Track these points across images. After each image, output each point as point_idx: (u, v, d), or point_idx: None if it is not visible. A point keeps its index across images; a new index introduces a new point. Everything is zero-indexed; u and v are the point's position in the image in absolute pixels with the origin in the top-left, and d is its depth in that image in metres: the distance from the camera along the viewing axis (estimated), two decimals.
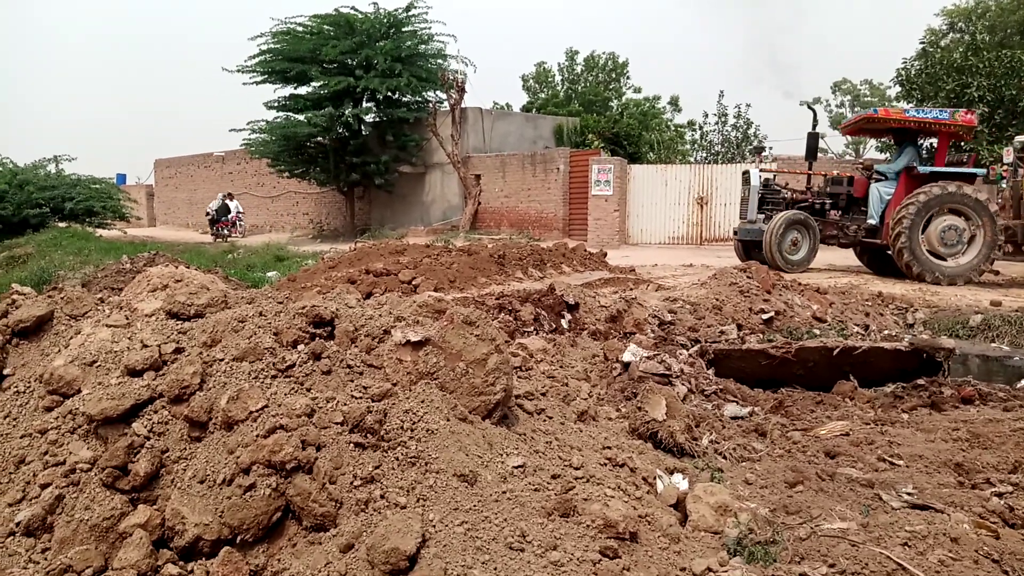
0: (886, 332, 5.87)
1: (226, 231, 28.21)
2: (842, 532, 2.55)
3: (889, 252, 11.66)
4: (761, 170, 12.88)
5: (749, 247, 12.63)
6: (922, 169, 11.53)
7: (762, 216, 12.19)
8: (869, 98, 40.72)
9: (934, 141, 13.00)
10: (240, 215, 27.81)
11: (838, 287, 8.47)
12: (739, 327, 5.69)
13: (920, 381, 4.74)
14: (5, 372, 2.92)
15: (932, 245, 10.94)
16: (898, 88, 24.57)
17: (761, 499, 2.95)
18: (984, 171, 12.81)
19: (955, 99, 20.59)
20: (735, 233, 12.85)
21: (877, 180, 12.14)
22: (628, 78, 37.82)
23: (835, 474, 3.20)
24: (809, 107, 12.52)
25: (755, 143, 28.76)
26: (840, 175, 12.75)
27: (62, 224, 23.25)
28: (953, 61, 21.82)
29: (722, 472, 3.24)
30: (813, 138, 12.61)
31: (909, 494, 2.92)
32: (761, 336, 5.53)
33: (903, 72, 23.82)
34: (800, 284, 7.09)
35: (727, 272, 6.70)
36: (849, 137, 31.91)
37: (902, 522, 2.57)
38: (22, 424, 2.67)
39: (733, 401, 4.38)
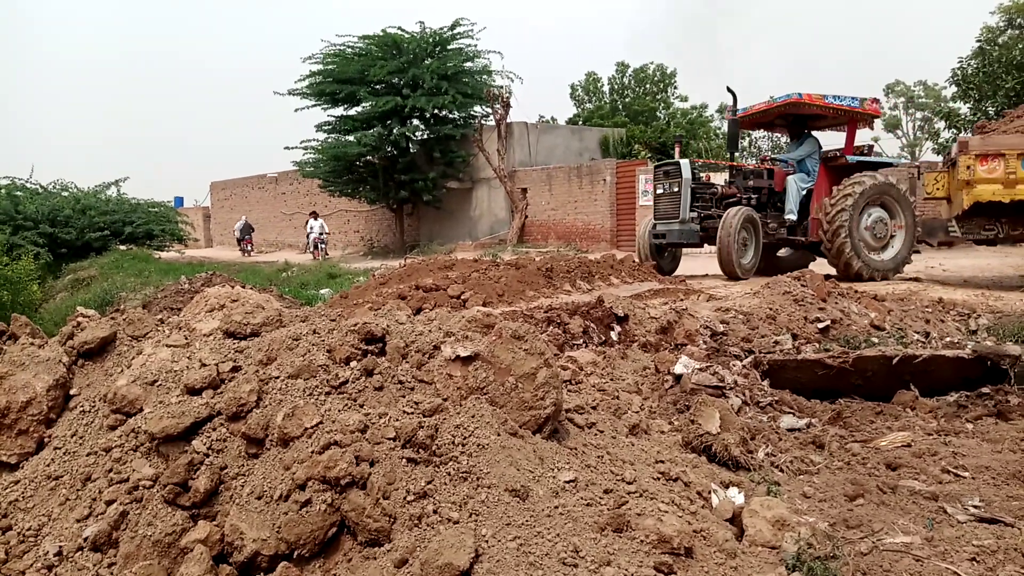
0: (948, 339, 5.68)
1: (250, 248, 28.79)
2: (905, 547, 2.47)
3: (803, 246, 10.88)
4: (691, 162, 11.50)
5: (661, 249, 11.41)
6: (851, 158, 10.94)
7: (695, 215, 10.78)
8: (924, 99, 39.69)
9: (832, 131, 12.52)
10: (324, 235, 27.90)
11: (896, 293, 8.25)
12: (794, 337, 5.58)
13: (985, 389, 4.57)
14: (71, 392, 3.02)
15: (864, 239, 10.40)
16: (954, 88, 23.90)
17: (820, 513, 2.88)
18: (900, 161, 12.28)
19: (1015, 97, 19.93)
20: (656, 236, 11.12)
21: (791, 171, 11.34)
22: (676, 88, 37.63)
23: (897, 487, 3.11)
24: (729, 90, 10.98)
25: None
26: (759, 167, 11.68)
27: (123, 247, 24.03)
28: (1013, 58, 21.13)
29: (779, 485, 3.18)
30: (734, 125, 11.21)
31: (976, 507, 2.82)
32: (817, 346, 5.41)
33: (959, 72, 23.17)
34: (856, 291, 6.92)
35: (780, 281, 6.58)
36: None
37: (969, 536, 2.49)
38: (88, 442, 2.76)
39: (789, 413, 4.29)
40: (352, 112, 26.55)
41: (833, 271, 10.62)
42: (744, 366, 4.71)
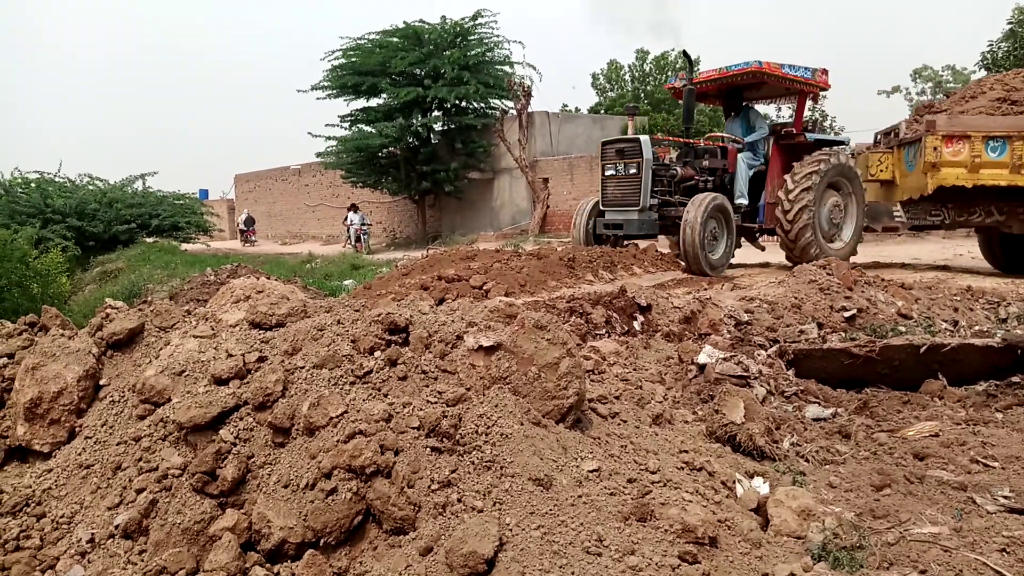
0: (977, 328, 5.60)
1: (253, 239, 28.77)
2: (933, 537, 2.45)
3: (760, 234, 9.83)
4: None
5: (595, 236, 9.72)
6: (809, 136, 9.87)
7: (655, 201, 9.17)
8: (953, 84, 38.98)
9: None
10: (365, 226, 27.16)
11: (923, 282, 8.14)
12: (819, 326, 5.52)
13: (1015, 379, 4.50)
14: (101, 382, 3.07)
15: (822, 226, 9.39)
16: (984, 72, 23.47)
17: (846, 503, 2.86)
18: (848, 139, 11.41)
19: None
20: (608, 227, 9.42)
21: (740, 150, 10.09)
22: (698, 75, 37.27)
23: (924, 476, 3.08)
24: (684, 53, 9.75)
25: (832, 129, 27.29)
26: (714, 145, 10.15)
27: (149, 239, 24.34)
28: None
29: (804, 475, 3.16)
30: (690, 94, 9.59)
31: (1006, 497, 2.78)
32: (843, 335, 5.35)
33: (989, 55, 22.74)
34: (883, 280, 6.84)
35: (805, 269, 6.51)
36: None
37: (999, 527, 2.46)
38: (118, 432, 2.81)
39: (815, 402, 4.25)
40: (374, 103, 26.63)
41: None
42: (769, 355, 4.68)
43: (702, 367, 4.32)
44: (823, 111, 29.06)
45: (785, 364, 4.64)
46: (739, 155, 9.83)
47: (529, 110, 24.62)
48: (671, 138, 10.80)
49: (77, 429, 2.89)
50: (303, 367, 2.78)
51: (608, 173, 9.43)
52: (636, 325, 5.29)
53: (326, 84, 26.23)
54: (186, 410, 2.63)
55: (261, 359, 2.89)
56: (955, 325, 5.82)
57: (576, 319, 5.24)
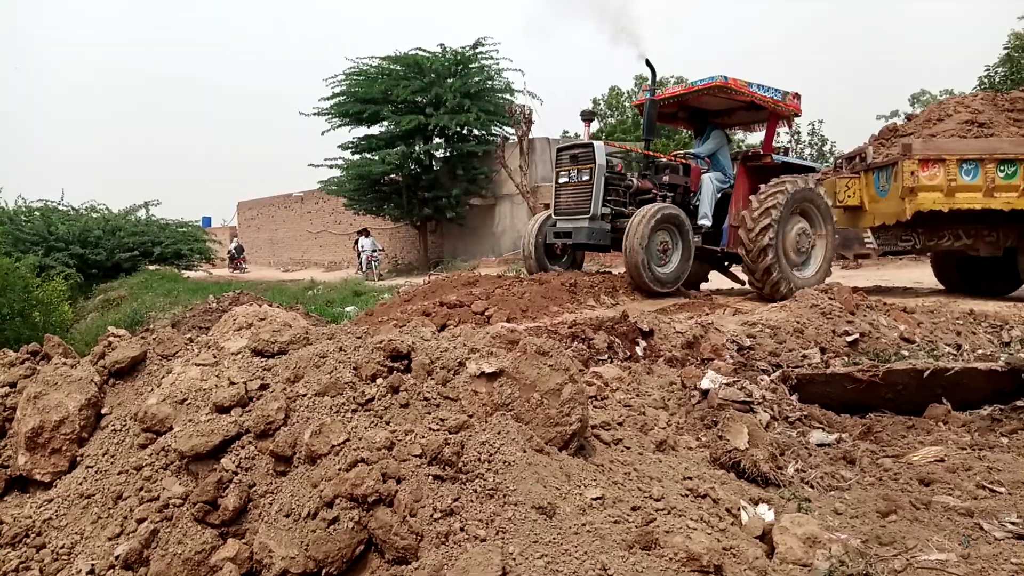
0: (980, 352, 5.58)
1: (244, 266, 28.69)
2: (941, 564, 2.42)
3: (728, 261, 9.33)
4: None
5: (556, 255, 9.28)
6: (776, 158, 9.41)
7: (607, 211, 8.61)
8: None
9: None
10: (376, 252, 26.85)
11: (925, 306, 8.13)
12: (822, 350, 5.52)
13: (1020, 403, 4.48)
14: (103, 411, 3.06)
15: (787, 252, 8.86)
16: None
17: (852, 530, 2.83)
18: (820, 166, 10.94)
19: None
20: (558, 235, 8.91)
21: (706, 170, 9.65)
22: None
23: (931, 502, 3.05)
24: (648, 63, 9.08)
25: (829, 157, 27.51)
26: (676, 160, 9.66)
27: (152, 267, 24.41)
28: None
29: (810, 502, 3.13)
30: (652, 106, 9.08)
31: (1013, 523, 2.76)
32: (846, 359, 5.34)
33: (987, 80, 22.93)
34: (886, 304, 6.83)
35: (807, 293, 6.52)
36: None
37: (1007, 554, 2.44)
38: (119, 461, 2.79)
39: (819, 427, 4.23)
40: (376, 131, 26.82)
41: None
42: (772, 381, 4.66)
43: (705, 392, 4.30)
44: (822, 136, 29.23)
45: (788, 389, 4.62)
46: (706, 175, 9.43)
47: (530, 136, 24.78)
48: (627, 147, 10.46)
49: (78, 458, 2.87)
50: (305, 395, 2.78)
51: (562, 180, 9.07)
52: (638, 350, 5.28)
53: (329, 112, 26.44)
54: (188, 439, 2.62)
55: (263, 387, 2.89)
56: (958, 349, 5.80)
57: (578, 345, 5.23)
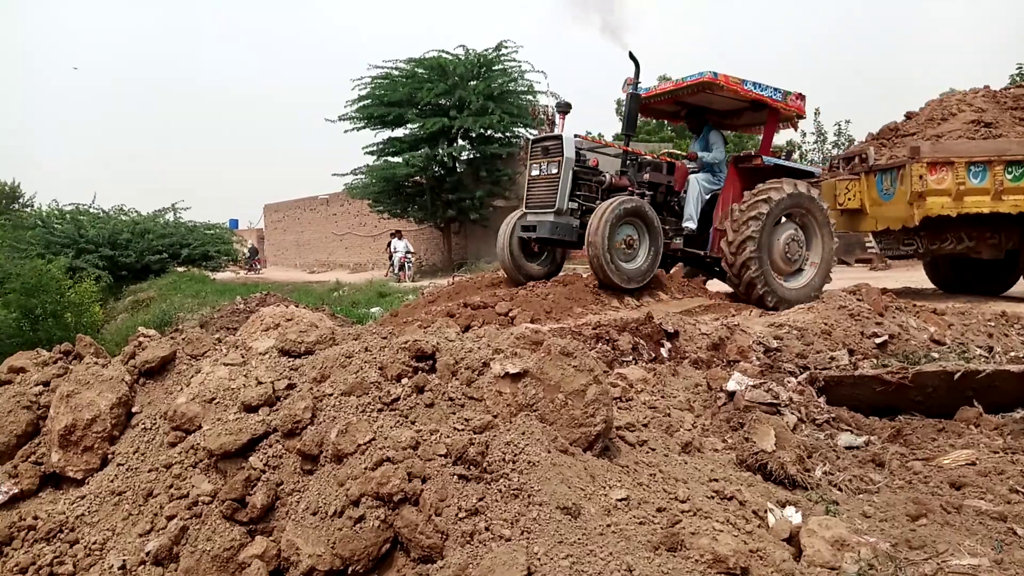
0: (1012, 354, 5.49)
1: (258, 267, 28.80)
2: (973, 569, 2.39)
3: (717, 267, 8.72)
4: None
5: (531, 252, 8.78)
6: (767, 160, 8.72)
7: (574, 205, 8.16)
8: None
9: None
10: (408, 255, 26.56)
11: (956, 307, 8.02)
12: (851, 352, 5.45)
13: None
14: (134, 410, 3.11)
15: (774, 261, 8.31)
16: None
17: (881, 533, 2.80)
18: (818, 171, 10.16)
19: None
20: (526, 229, 8.40)
21: (694, 170, 9.10)
22: None
23: (962, 506, 3.00)
24: (631, 56, 8.44)
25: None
26: (659, 158, 9.11)
27: (180, 268, 24.71)
28: None
29: (838, 504, 3.10)
30: (634, 100, 8.50)
31: None
32: (875, 361, 5.27)
33: (1018, 78, 22.53)
34: (915, 305, 6.74)
35: (835, 295, 6.45)
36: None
37: None
38: (149, 459, 2.84)
39: (847, 430, 4.19)
40: (400, 134, 26.97)
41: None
42: (799, 383, 4.62)
43: (731, 394, 4.27)
44: (849, 136, 28.91)
45: (816, 391, 4.57)
46: (693, 176, 8.93)
47: None
48: (605, 143, 9.65)
49: (110, 456, 2.92)
50: (331, 394, 2.80)
51: (533, 173, 8.56)
52: (663, 352, 5.26)
53: (354, 116, 26.63)
54: (216, 437, 2.66)
55: (290, 386, 2.92)
56: (990, 351, 5.71)
57: (603, 346, 5.22)
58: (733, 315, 6.60)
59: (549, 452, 2.57)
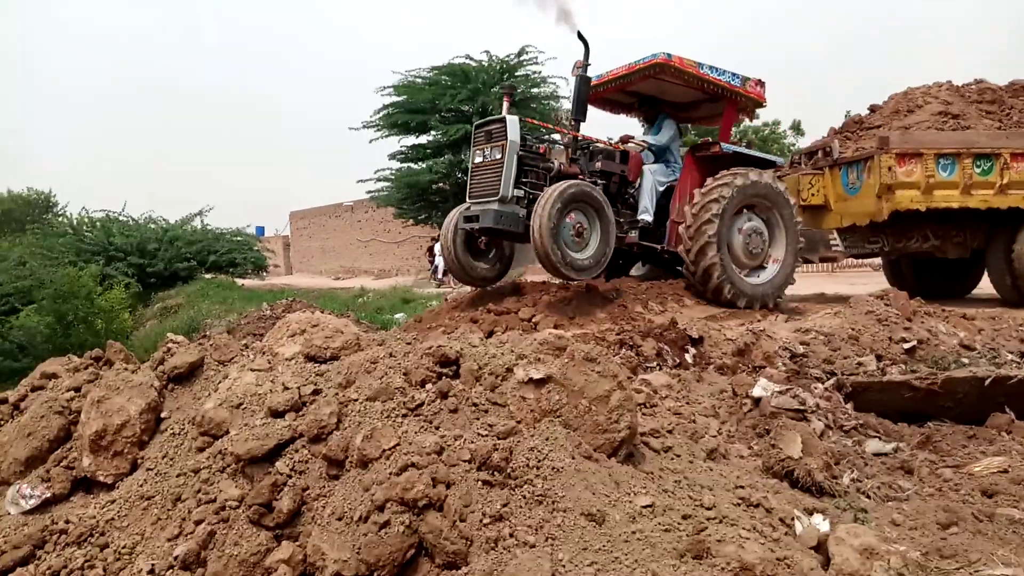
0: None
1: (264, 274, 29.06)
2: None
3: (679, 265, 8.06)
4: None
5: (477, 248, 8.11)
6: (725, 147, 8.13)
7: (520, 193, 7.46)
8: None
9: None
10: None
11: (986, 312, 7.89)
12: (878, 358, 5.38)
13: None
14: (162, 415, 3.16)
15: (735, 254, 7.82)
16: None
17: (911, 542, 2.76)
18: (782, 160, 9.57)
19: None
20: (468, 220, 7.71)
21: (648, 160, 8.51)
22: None
23: (994, 515, 2.96)
24: (580, 37, 7.77)
25: None
26: (612, 146, 8.40)
27: (208, 275, 24.99)
28: None
29: (866, 512, 3.06)
30: (584, 83, 7.84)
31: None
32: (903, 367, 5.21)
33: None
34: (944, 310, 6.64)
35: (862, 300, 6.37)
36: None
37: None
38: (178, 464, 2.87)
39: (875, 436, 4.13)
40: (423, 140, 27.10)
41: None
42: (826, 388, 4.57)
43: (757, 400, 4.24)
44: None
45: (843, 397, 4.52)
46: (648, 167, 8.36)
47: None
48: (552, 127, 8.98)
49: (139, 461, 2.96)
50: (357, 399, 2.82)
51: (476, 160, 7.87)
52: (688, 358, 5.23)
53: (378, 123, 26.80)
54: (243, 442, 2.69)
55: (316, 392, 2.94)
56: (1022, 356, 5.61)
57: (626, 351, 5.20)
58: (758, 320, 6.54)
59: (573, 458, 2.57)
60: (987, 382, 4.42)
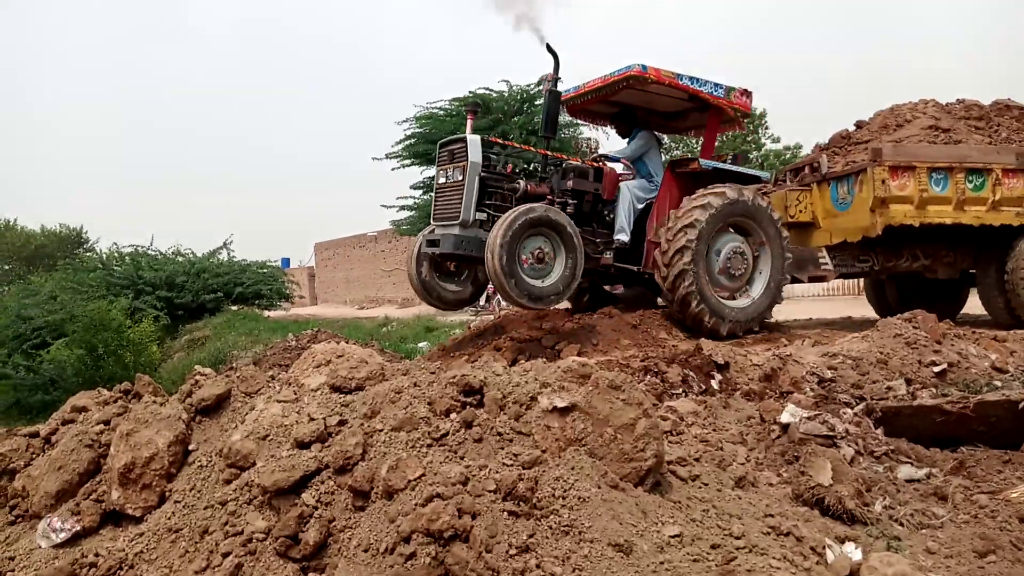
0: None
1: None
2: None
3: (636, 278, 7.76)
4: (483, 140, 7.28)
5: (446, 272, 7.66)
6: (704, 163, 7.62)
7: (483, 216, 7.08)
8: None
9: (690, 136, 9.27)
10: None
11: (1019, 333, 7.75)
12: (908, 382, 5.30)
13: None
14: (190, 447, 3.18)
15: (714, 276, 7.32)
16: None
17: (947, 570, 2.70)
18: (767, 175, 9.12)
19: None
20: (431, 244, 7.27)
21: (628, 176, 8.03)
22: (767, 128, 37.00)
23: None
24: (549, 49, 7.36)
25: None
26: (584, 163, 7.89)
27: (234, 307, 25.25)
28: None
29: (899, 540, 3.00)
30: (554, 98, 7.48)
31: None
32: (934, 391, 5.12)
33: None
34: (974, 331, 6.54)
35: (890, 323, 6.28)
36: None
37: None
38: (205, 496, 2.89)
39: (907, 462, 4.06)
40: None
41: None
42: (855, 414, 4.50)
43: (785, 427, 4.18)
44: None
45: (873, 422, 4.45)
46: (625, 184, 7.87)
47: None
48: (519, 146, 8.65)
49: (167, 493, 2.99)
50: (382, 430, 2.83)
51: (440, 181, 7.55)
52: (714, 384, 5.19)
53: (400, 153, 27.10)
54: (270, 474, 2.70)
55: (341, 422, 2.95)
56: None
57: (651, 378, 5.17)
58: (785, 345, 6.48)
59: (599, 488, 2.55)
60: (1021, 405, 4.33)
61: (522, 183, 7.35)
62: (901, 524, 3.22)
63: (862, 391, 5.11)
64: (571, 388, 3.00)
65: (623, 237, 7.67)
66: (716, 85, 7.65)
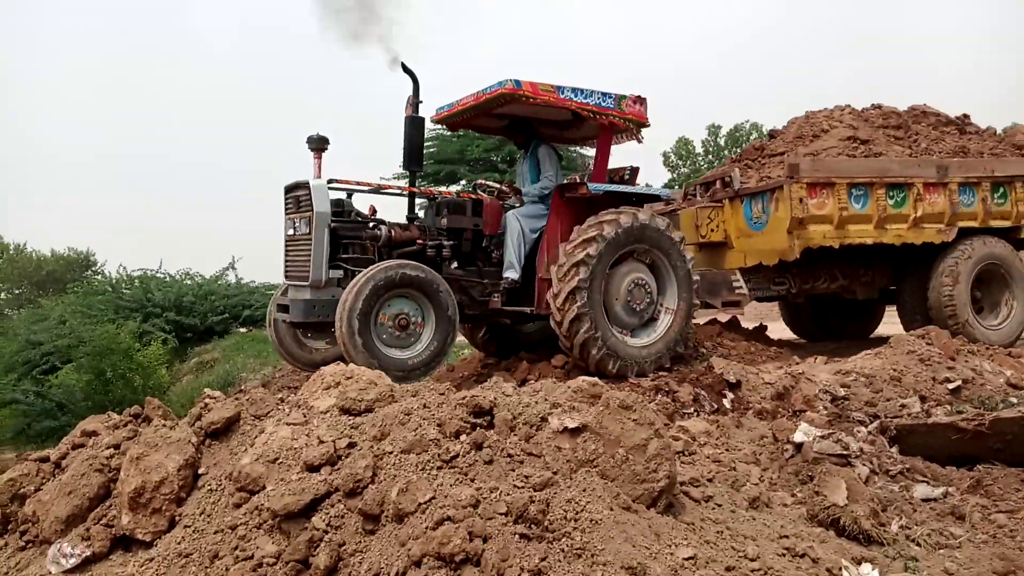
0: None
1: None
2: None
3: (532, 320, 6.83)
4: (331, 184, 6.25)
5: (311, 328, 6.33)
6: (593, 187, 6.58)
7: (339, 273, 6.14)
8: None
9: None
10: None
11: None
12: (922, 399, 5.25)
13: None
14: (200, 471, 3.17)
15: (615, 314, 6.37)
16: None
17: None
18: (668, 193, 8.17)
19: None
20: (281, 309, 6.36)
21: (512, 205, 7.17)
22: None
23: None
24: (406, 70, 6.56)
25: None
26: (460, 196, 7.21)
27: (242, 329, 25.29)
28: None
29: (917, 561, 2.96)
30: (416, 125, 6.63)
31: None
32: (948, 408, 5.07)
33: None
34: (989, 348, 6.49)
35: (903, 340, 6.25)
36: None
37: None
38: (215, 520, 2.87)
39: (923, 481, 4.01)
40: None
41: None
42: (869, 432, 4.47)
43: (799, 446, 4.15)
44: None
45: (887, 441, 4.41)
46: (512, 213, 6.90)
47: None
48: (362, 184, 6.68)
49: (177, 518, 2.97)
50: (391, 452, 2.81)
51: (288, 232, 6.51)
52: (726, 403, 5.15)
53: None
54: (280, 498, 2.68)
55: (351, 445, 2.94)
56: None
57: (662, 398, 5.14)
58: (797, 363, 6.43)
59: (612, 509, 2.53)
60: None
61: (384, 229, 6.44)
62: (918, 544, 3.17)
63: (876, 409, 5.07)
64: (581, 408, 2.99)
65: (512, 275, 6.69)
66: (603, 95, 6.71)
